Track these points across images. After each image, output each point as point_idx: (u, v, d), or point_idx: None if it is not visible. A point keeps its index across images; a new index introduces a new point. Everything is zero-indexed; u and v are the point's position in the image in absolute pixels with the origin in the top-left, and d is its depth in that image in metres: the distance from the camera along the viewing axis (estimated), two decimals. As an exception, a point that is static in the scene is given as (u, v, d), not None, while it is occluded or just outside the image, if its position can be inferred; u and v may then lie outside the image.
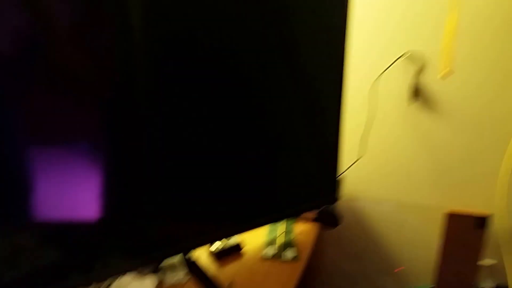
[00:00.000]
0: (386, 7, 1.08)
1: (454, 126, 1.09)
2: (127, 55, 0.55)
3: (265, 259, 0.86)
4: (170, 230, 0.70)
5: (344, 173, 1.21)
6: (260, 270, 0.82)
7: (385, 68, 1.11)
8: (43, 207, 0.55)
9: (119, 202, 0.62)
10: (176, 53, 0.59)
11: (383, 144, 1.17)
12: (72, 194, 0.56)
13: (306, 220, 1.00)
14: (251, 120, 0.72)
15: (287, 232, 0.96)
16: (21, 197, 0.53)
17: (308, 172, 0.87)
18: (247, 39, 0.67)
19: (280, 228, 0.98)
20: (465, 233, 1.11)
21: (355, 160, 1.19)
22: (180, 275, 0.77)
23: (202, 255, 0.87)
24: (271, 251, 0.88)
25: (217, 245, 0.87)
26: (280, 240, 0.92)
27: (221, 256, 0.86)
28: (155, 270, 0.79)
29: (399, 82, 1.11)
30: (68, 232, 0.58)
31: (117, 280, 0.67)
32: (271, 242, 0.91)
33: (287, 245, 0.90)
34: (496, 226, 1.12)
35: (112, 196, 0.61)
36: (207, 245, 0.88)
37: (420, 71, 1.08)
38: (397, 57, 1.09)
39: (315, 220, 0.99)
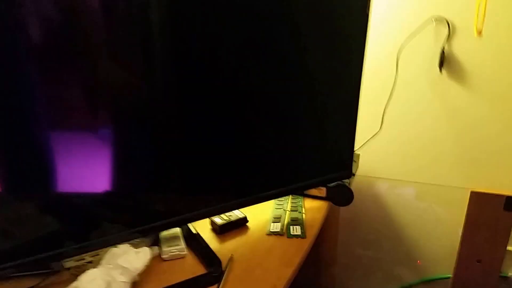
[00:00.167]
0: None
1: (484, 99, 0.99)
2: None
3: (269, 235, 0.81)
4: (169, 201, 0.66)
5: (361, 148, 1.14)
6: (264, 246, 0.78)
7: (411, 34, 1.01)
8: (45, 176, 0.53)
9: (118, 172, 0.59)
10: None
11: (405, 118, 1.09)
12: (72, 165, 0.54)
13: (316, 198, 0.94)
14: (262, 88, 0.67)
15: (295, 209, 0.91)
16: (23, 166, 0.51)
17: (322, 144, 0.81)
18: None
19: (288, 204, 0.93)
20: (492, 214, 1.02)
21: (373, 134, 1.11)
22: (179, 248, 0.74)
23: (204, 228, 0.84)
24: (276, 227, 0.83)
25: (221, 219, 0.83)
26: (287, 216, 0.88)
27: (224, 231, 0.82)
28: (154, 242, 0.76)
29: (425, 50, 1.02)
30: (66, 201, 0.56)
31: (112, 249, 0.65)
32: (277, 218, 0.87)
33: (294, 222, 0.85)
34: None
35: (110, 166, 0.58)
36: (210, 219, 0.84)
37: (448, 37, 0.98)
38: (424, 22, 0.99)
39: (326, 198, 0.93)
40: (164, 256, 0.72)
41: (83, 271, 0.60)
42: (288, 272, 0.69)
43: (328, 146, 0.82)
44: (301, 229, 0.82)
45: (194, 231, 0.80)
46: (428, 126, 1.06)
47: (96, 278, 0.60)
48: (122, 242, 0.65)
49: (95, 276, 0.60)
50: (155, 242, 0.76)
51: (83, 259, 0.69)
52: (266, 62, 0.65)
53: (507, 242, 1.02)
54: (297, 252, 0.75)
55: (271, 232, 0.82)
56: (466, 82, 0.99)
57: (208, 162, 0.66)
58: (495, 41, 0.93)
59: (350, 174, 0.86)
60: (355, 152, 1.11)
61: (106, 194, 0.59)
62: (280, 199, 0.96)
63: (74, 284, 0.58)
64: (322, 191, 0.93)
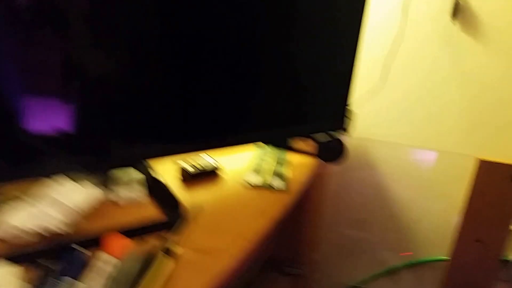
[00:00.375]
0: None
1: (501, 58, 0.88)
2: None
3: (247, 187, 0.71)
4: (121, 131, 0.55)
5: (361, 107, 1.02)
6: (239, 198, 0.67)
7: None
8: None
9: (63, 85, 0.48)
10: None
11: (411, 76, 0.97)
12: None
13: (303, 153, 0.83)
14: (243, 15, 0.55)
15: (278, 162, 0.80)
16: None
17: (311, 86, 0.70)
18: None
19: (269, 158, 0.82)
20: (498, 186, 0.91)
21: (375, 91, 1.00)
22: (137, 193, 0.63)
23: (167, 174, 0.73)
24: (255, 178, 0.72)
25: (192, 167, 0.72)
26: (269, 169, 0.77)
27: (194, 180, 0.71)
28: (106, 182, 0.65)
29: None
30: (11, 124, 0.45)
31: (58, 186, 0.54)
32: (256, 171, 0.76)
33: (276, 175, 0.74)
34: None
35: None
36: (180, 167, 0.73)
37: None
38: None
39: (314, 154, 0.81)
40: (118, 201, 0.61)
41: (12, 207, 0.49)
42: (262, 224, 0.59)
43: (318, 90, 0.71)
44: (283, 182, 0.71)
45: (157, 177, 0.69)
46: (436, 84, 0.95)
47: (27, 214, 0.49)
48: (65, 173, 0.54)
49: (25, 212, 0.49)
50: (106, 181, 0.65)
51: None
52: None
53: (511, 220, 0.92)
54: (276, 205, 0.65)
55: (249, 183, 0.71)
56: (481, 36, 0.88)
57: (168, 88, 0.55)
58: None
59: (342, 126, 0.75)
60: (352, 110, 0.99)
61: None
62: (261, 151, 0.85)
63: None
64: (309, 146, 0.82)
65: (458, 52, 0.91)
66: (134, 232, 0.54)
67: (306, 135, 0.74)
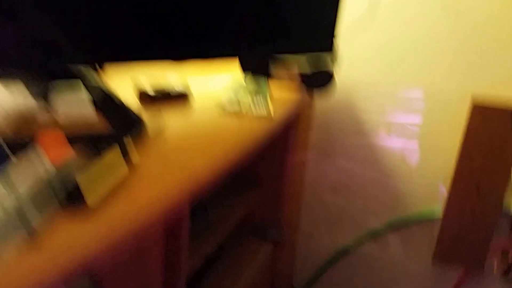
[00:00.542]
0: None
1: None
2: None
3: (221, 113, 0.59)
4: (69, 24, 0.43)
5: (344, 39, 0.91)
6: (211, 124, 0.56)
7: None
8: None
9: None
10: None
11: (401, 9, 0.88)
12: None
13: (287, 80, 0.72)
14: None
15: (258, 89, 0.68)
16: None
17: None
18: None
19: (249, 84, 0.70)
20: (496, 133, 0.83)
21: (360, 26, 0.89)
22: (84, 107, 0.50)
23: (125, 94, 0.60)
24: (231, 104, 0.61)
25: (153, 90, 0.60)
26: (247, 95, 0.65)
27: (156, 100, 0.59)
28: (46, 95, 0.52)
29: None
30: None
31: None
32: (233, 96, 0.64)
33: (256, 101, 0.63)
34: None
35: None
36: (138, 89, 0.61)
37: None
38: None
39: (300, 81, 0.71)
40: (58, 118, 0.49)
41: None
42: (239, 146, 0.48)
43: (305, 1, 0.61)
44: (264, 109, 0.61)
45: (109, 91, 0.56)
46: (426, 20, 0.87)
47: None
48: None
49: None
50: (46, 92, 0.52)
51: None
52: None
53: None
54: (256, 131, 0.54)
55: (223, 109, 0.60)
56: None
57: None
58: None
59: (331, 47, 0.65)
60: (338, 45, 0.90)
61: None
62: (239, 80, 0.72)
63: None
64: (292, 76, 0.71)
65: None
66: (77, 140, 0.41)
67: (290, 52, 0.63)
